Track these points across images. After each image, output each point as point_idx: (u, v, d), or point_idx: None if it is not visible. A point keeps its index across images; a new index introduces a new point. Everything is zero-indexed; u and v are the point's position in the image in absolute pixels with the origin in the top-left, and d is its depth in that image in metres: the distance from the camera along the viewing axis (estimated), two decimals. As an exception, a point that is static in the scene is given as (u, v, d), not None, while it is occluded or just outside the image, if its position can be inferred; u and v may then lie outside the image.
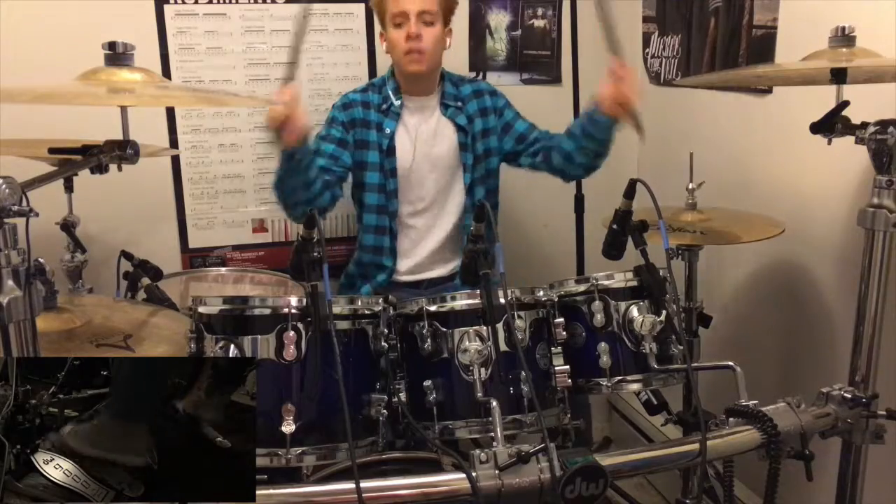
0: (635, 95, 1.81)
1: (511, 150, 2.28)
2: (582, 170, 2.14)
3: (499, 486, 1.20)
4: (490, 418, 1.30)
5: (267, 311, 1.33)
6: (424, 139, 2.21)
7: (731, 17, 2.17)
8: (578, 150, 2.06)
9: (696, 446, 1.33)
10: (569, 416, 1.49)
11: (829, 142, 1.48)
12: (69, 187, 1.90)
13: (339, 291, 2.29)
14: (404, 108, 2.20)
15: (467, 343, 1.39)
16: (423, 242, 2.26)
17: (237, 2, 2.39)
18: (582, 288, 1.56)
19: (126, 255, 2.00)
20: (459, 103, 2.25)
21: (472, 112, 2.26)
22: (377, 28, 2.27)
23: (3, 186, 0.96)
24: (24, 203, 0.99)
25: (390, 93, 2.18)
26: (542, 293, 1.52)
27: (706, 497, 1.85)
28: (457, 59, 2.52)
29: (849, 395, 1.48)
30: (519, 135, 2.28)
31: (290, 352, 1.30)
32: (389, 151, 2.17)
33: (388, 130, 2.17)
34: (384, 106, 2.18)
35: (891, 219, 1.42)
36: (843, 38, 1.46)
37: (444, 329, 1.43)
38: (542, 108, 2.68)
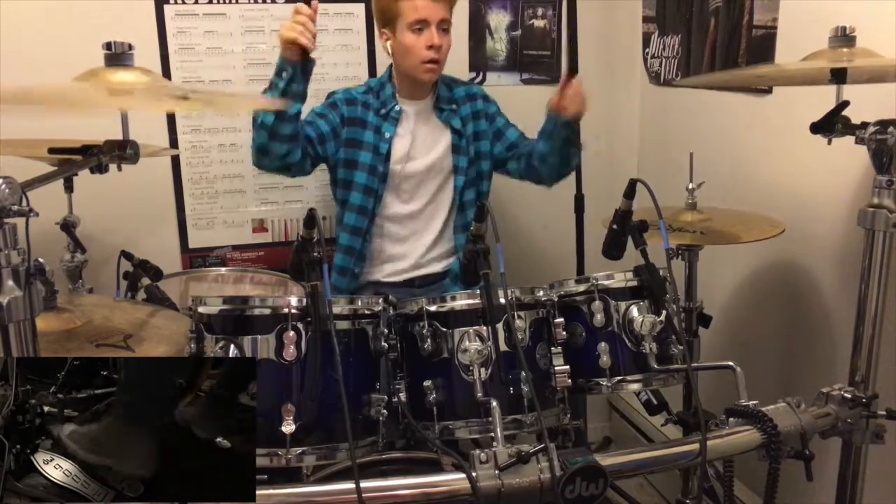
0: (579, 105, 2.03)
1: (501, 155, 2.31)
2: (556, 170, 2.19)
3: (499, 486, 1.20)
4: (490, 418, 1.30)
5: (267, 311, 1.33)
6: (422, 143, 2.21)
7: (731, 17, 2.17)
8: (550, 151, 2.14)
9: (696, 446, 1.33)
10: (568, 416, 1.49)
11: (829, 142, 1.48)
12: (69, 187, 1.90)
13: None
14: (403, 113, 2.19)
15: (467, 343, 1.39)
16: (414, 244, 2.26)
17: (237, 2, 2.39)
18: (582, 288, 1.56)
19: (126, 255, 2.00)
20: (454, 105, 2.25)
21: (465, 115, 2.26)
22: (377, 26, 2.26)
23: (3, 186, 0.96)
24: (24, 203, 0.99)
25: (389, 97, 2.17)
26: (542, 293, 1.52)
27: (706, 497, 1.85)
28: (457, 59, 2.52)
29: (849, 395, 1.48)
30: (510, 143, 2.32)
31: (290, 352, 1.30)
32: (387, 156, 2.16)
33: (387, 135, 2.16)
34: (383, 110, 2.17)
35: (891, 219, 1.42)
36: (843, 38, 1.46)
37: (444, 329, 1.44)
38: (542, 108, 2.67)
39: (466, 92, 2.30)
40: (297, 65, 1.87)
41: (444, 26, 2.08)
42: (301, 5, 1.85)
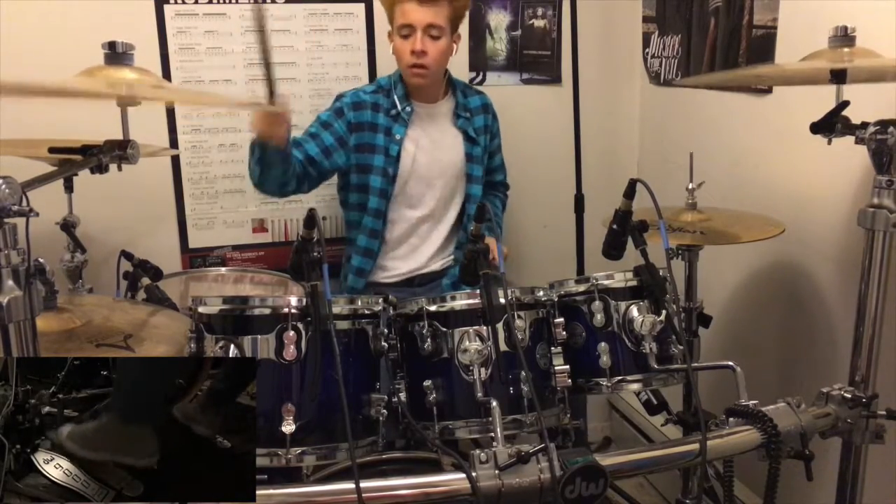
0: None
1: None
2: None
3: (499, 486, 1.20)
4: (490, 418, 1.30)
5: (267, 311, 1.33)
6: (433, 146, 2.21)
7: (731, 17, 2.17)
8: None
9: (696, 446, 1.33)
10: (568, 416, 1.49)
11: (829, 142, 1.48)
12: (69, 187, 1.90)
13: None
14: (414, 114, 2.19)
15: (467, 343, 1.39)
16: (422, 247, 2.27)
17: (237, 2, 2.39)
18: (582, 288, 1.56)
19: (126, 255, 2.00)
20: (468, 114, 2.26)
21: (478, 126, 2.28)
22: (379, 25, 2.26)
23: (3, 186, 0.96)
24: (24, 203, 0.99)
25: (400, 98, 2.17)
26: (542, 293, 1.52)
27: (706, 497, 1.85)
28: (457, 59, 2.51)
29: (849, 395, 1.48)
30: (493, 167, 2.38)
31: (290, 352, 1.30)
32: (397, 157, 2.16)
33: (397, 136, 2.16)
34: (393, 111, 2.17)
35: (891, 219, 1.42)
36: (843, 38, 1.46)
37: (444, 329, 1.43)
38: (542, 108, 2.69)
39: (482, 102, 2.31)
40: (265, 148, 1.87)
41: (433, 32, 2.06)
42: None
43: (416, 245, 2.26)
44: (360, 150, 2.16)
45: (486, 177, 2.37)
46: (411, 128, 2.18)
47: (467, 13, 2.52)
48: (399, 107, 2.16)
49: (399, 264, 2.26)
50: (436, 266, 2.29)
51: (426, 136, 2.21)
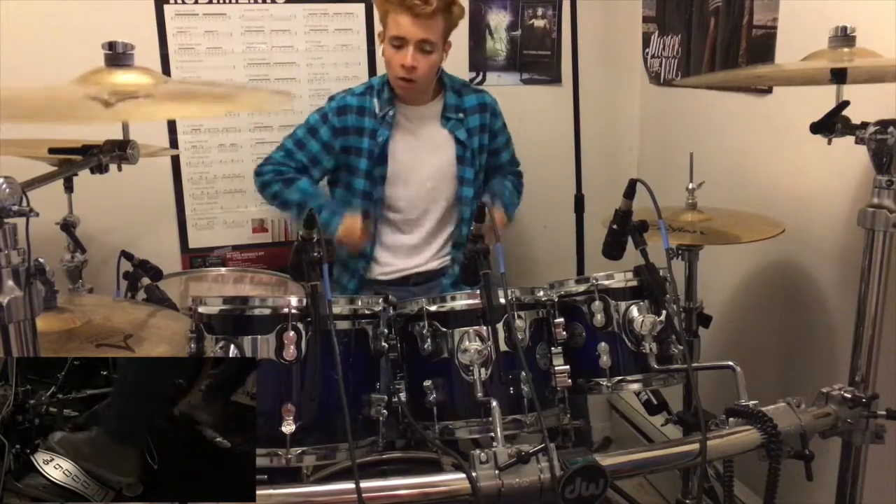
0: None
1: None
2: None
3: (499, 486, 1.20)
4: (490, 418, 1.30)
5: (267, 311, 1.33)
6: (419, 148, 2.20)
7: (731, 17, 2.17)
8: None
9: (696, 446, 1.33)
10: (569, 416, 1.49)
11: (829, 142, 1.48)
12: (69, 187, 1.90)
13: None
14: (401, 117, 2.18)
15: (467, 343, 1.39)
16: (416, 251, 2.26)
17: (237, 2, 2.39)
18: (582, 288, 1.56)
19: (126, 255, 2.00)
20: (461, 115, 2.23)
21: (472, 126, 2.24)
22: (377, 26, 2.26)
23: (3, 186, 0.95)
24: (24, 203, 0.99)
25: (386, 101, 2.17)
26: (542, 293, 1.52)
27: (706, 497, 1.85)
28: (457, 59, 2.52)
29: (849, 395, 1.48)
30: (497, 164, 2.36)
31: (290, 352, 1.30)
32: (381, 160, 2.16)
33: (380, 139, 2.15)
34: (380, 113, 2.16)
35: (891, 219, 1.42)
36: (843, 38, 1.46)
37: (444, 329, 1.43)
38: (542, 108, 2.69)
39: (478, 101, 2.27)
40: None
41: (426, 47, 2.04)
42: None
43: (411, 249, 2.26)
44: (347, 153, 2.18)
45: (496, 173, 2.37)
46: (397, 130, 2.18)
47: (468, 11, 2.55)
48: (385, 109, 2.16)
49: (395, 263, 2.26)
50: (433, 265, 2.29)
51: (413, 138, 2.20)
